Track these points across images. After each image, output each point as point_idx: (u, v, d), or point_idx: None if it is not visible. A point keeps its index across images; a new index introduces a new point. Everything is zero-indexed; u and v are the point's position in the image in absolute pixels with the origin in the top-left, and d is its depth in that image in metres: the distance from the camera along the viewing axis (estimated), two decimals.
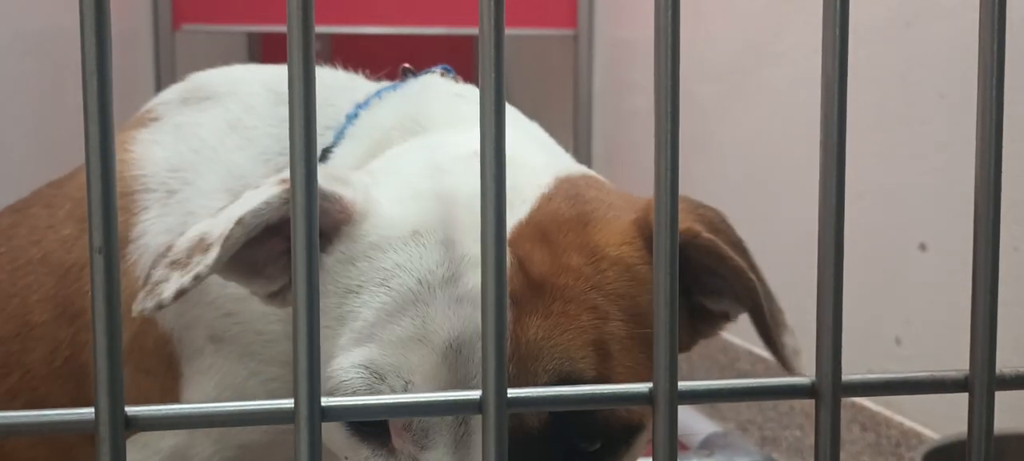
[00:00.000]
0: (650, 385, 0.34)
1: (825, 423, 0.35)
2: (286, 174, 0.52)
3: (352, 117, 0.67)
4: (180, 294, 0.50)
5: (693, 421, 1.71)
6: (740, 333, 1.74)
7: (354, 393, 0.49)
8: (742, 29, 1.75)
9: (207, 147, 0.68)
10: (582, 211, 0.54)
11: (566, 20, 2.48)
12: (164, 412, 0.29)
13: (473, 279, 0.50)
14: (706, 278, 0.56)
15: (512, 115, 0.69)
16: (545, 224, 0.53)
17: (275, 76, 0.73)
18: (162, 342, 0.65)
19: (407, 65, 0.73)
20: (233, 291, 0.61)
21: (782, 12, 1.61)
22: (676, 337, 0.33)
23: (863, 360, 1.38)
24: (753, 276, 0.53)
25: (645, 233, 0.54)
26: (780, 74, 1.61)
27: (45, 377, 0.69)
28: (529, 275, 0.51)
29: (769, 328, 0.53)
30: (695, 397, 0.34)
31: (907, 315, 1.31)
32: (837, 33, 0.33)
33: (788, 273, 1.65)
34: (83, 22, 0.26)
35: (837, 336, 0.34)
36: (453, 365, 0.48)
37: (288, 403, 0.30)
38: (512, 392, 0.32)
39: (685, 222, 0.53)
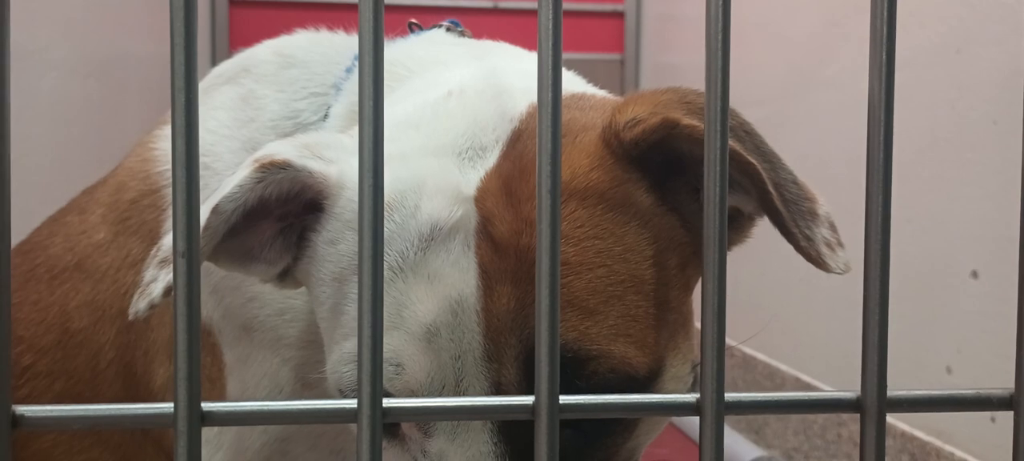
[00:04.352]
0: (697, 395, 0.35)
1: (870, 438, 0.36)
2: (271, 148, 0.51)
3: (350, 70, 0.66)
4: (169, 291, 0.48)
5: (738, 446, 1.69)
6: (787, 359, 1.72)
7: (350, 387, 0.49)
8: (788, 54, 1.75)
9: (222, 126, 0.67)
10: None
11: (614, 45, 2.52)
12: (237, 408, 0.31)
13: (445, 252, 0.47)
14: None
15: (500, 48, 0.66)
16: (510, 172, 0.49)
17: (285, 41, 0.71)
18: (205, 334, 0.66)
19: (413, 21, 0.72)
20: None
21: (830, 37, 1.61)
22: (723, 349, 0.34)
23: (914, 388, 1.36)
24: (750, 159, 0.46)
25: (613, 146, 0.49)
26: (827, 99, 1.60)
27: (90, 381, 0.69)
28: (494, 238, 0.47)
29: (783, 218, 0.46)
30: (741, 408, 0.35)
31: (958, 344, 1.29)
32: (884, 57, 0.34)
33: (836, 295, 1.62)
34: (173, 45, 0.28)
35: (882, 351, 0.35)
36: (435, 348, 0.46)
37: (351, 404, 0.31)
38: (564, 399, 0.34)
39: (668, 112, 0.48)
